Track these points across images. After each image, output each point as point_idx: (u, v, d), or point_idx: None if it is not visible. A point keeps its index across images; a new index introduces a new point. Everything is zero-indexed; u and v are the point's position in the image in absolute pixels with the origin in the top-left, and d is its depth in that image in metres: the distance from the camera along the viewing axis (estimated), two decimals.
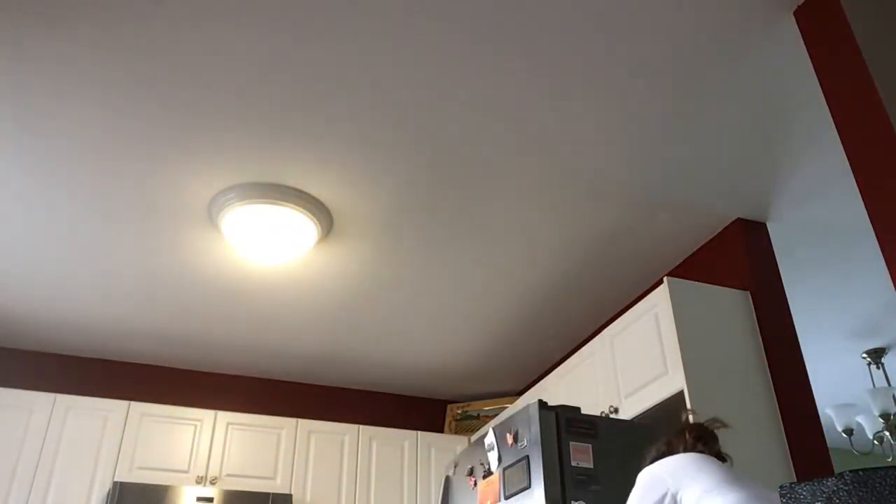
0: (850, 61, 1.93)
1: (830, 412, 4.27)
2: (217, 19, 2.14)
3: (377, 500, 3.91)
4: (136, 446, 3.64)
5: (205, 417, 3.82)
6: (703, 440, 1.65)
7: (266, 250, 3.01)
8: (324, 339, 3.97)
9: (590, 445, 2.32)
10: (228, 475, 3.73)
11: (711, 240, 3.18)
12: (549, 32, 2.19)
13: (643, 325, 2.83)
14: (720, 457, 1.67)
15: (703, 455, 1.60)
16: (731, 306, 2.79)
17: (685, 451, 1.66)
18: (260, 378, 4.45)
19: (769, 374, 2.69)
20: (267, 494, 3.63)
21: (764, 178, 2.82)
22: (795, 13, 2.13)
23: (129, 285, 3.47)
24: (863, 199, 1.83)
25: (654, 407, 2.68)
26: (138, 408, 3.74)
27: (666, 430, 2.45)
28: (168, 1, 2.08)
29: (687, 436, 1.67)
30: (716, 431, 1.70)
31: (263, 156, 2.68)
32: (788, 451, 2.55)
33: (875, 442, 4.15)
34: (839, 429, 4.25)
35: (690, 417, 1.81)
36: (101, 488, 3.49)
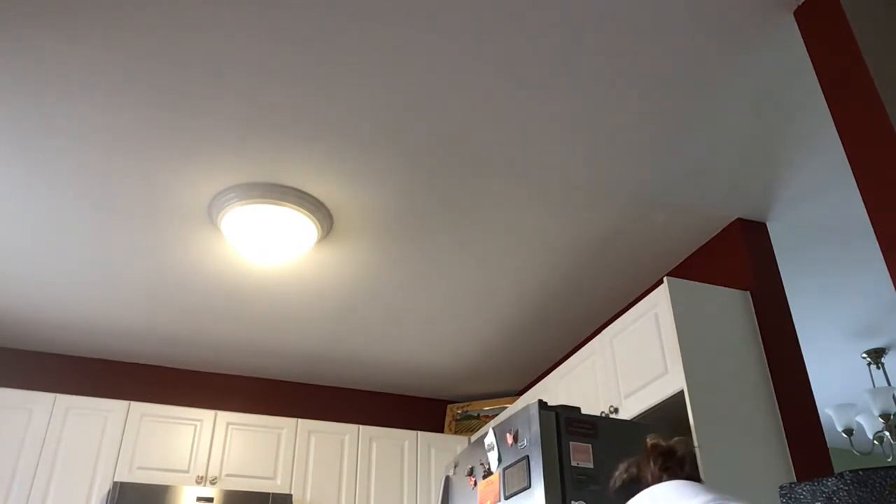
0: (850, 61, 1.93)
1: (830, 412, 4.27)
2: (217, 20, 2.14)
3: (377, 500, 3.91)
4: (136, 446, 3.64)
5: (205, 417, 3.82)
6: (671, 470, 1.60)
7: (266, 250, 3.01)
8: (324, 339, 3.97)
9: (590, 445, 2.32)
10: (228, 475, 3.73)
11: (711, 240, 3.18)
12: (549, 34, 2.19)
13: (643, 325, 2.83)
14: (695, 479, 1.61)
15: (673, 483, 1.56)
16: (731, 306, 2.79)
17: (653, 480, 1.61)
18: (260, 378, 4.45)
19: (769, 374, 2.69)
20: (267, 494, 3.63)
21: (764, 178, 2.82)
22: (795, 13, 2.13)
23: (130, 285, 3.47)
24: (863, 199, 1.83)
25: (654, 407, 2.69)
26: (138, 408, 3.73)
27: (666, 431, 2.46)
28: (169, 2, 2.09)
29: (652, 464, 1.62)
30: (693, 451, 1.64)
31: (263, 156, 2.69)
32: (788, 451, 2.55)
33: (875, 442, 4.15)
34: (839, 429, 4.25)
35: (657, 441, 1.73)
36: (101, 488, 3.49)
